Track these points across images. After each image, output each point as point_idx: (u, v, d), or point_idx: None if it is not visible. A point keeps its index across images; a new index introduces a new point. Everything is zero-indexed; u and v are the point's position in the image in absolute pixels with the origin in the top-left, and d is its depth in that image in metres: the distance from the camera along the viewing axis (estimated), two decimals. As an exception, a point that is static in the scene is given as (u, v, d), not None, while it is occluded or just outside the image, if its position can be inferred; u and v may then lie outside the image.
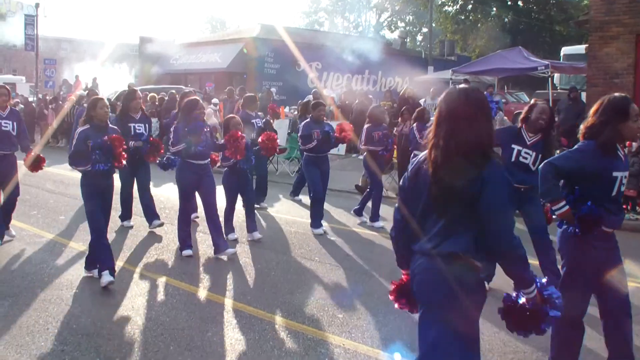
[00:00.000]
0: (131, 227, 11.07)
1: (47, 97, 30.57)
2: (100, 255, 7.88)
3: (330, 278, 8.28)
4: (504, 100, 22.24)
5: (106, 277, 7.65)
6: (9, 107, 10.17)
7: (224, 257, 9.13)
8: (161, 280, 8.16)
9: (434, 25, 44.09)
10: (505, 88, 29.44)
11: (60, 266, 8.72)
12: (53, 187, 15.31)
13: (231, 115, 11.07)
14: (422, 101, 22.47)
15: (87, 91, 27.31)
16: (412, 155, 12.40)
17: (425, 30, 62.36)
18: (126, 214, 11.29)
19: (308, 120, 11.46)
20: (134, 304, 7.24)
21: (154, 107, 22.63)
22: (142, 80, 35.54)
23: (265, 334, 6.39)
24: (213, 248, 9.29)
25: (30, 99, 31.79)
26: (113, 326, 6.52)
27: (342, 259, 9.38)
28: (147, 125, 10.89)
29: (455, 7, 46.84)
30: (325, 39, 37.48)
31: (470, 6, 45.68)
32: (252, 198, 10.86)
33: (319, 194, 11.11)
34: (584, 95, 18.39)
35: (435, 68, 33.71)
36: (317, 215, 11.12)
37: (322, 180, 11.27)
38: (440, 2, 46.68)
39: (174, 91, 23.72)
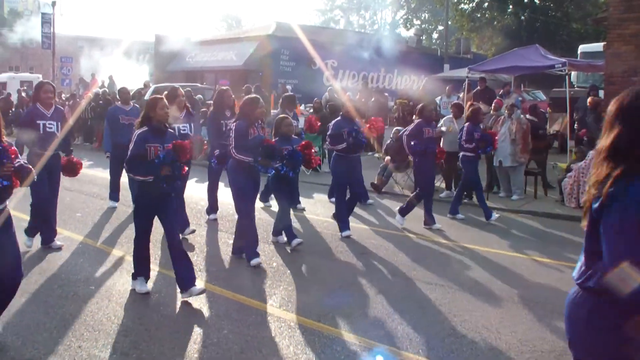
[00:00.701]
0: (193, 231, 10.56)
1: (63, 95, 30.67)
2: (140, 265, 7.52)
3: (346, 276, 8.25)
4: (520, 99, 22.11)
5: (143, 287, 7.46)
6: (54, 105, 9.50)
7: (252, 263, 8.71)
8: (177, 278, 8.17)
9: (450, 23, 43.97)
10: (522, 86, 29.28)
11: (76, 263, 8.74)
12: (69, 185, 15.31)
13: (283, 115, 10.54)
14: (437, 99, 22.41)
15: (102, 89, 27.47)
16: (461, 156, 12.34)
17: (441, 28, 62.14)
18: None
19: (339, 119, 11.02)
20: (150, 300, 7.24)
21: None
22: (158, 78, 35.64)
23: (281, 331, 6.37)
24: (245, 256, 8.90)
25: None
26: (129, 322, 6.53)
27: (358, 256, 9.36)
28: (191, 124, 10.62)
29: (471, 5, 46.66)
30: (341, 37, 37.50)
31: (486, 4, 45.49)
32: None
33: (360, 197, 10.90)
34: (601, 93, 18.22)
35: (451, 66, 33.63)
36: (343, 218, 10.71)
37: (357, 180, 10.88)
38: (456, 0, 46.52)
39: (189, 89, 23.76)
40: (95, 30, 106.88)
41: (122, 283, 7.86)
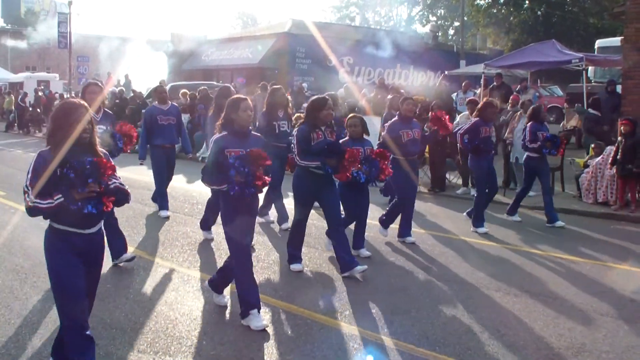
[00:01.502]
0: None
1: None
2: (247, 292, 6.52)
3: (364, 273, 8.23)
4: (537, 94, 22.01)
5: (258, 322, 6.36)
6: (102, 108, 8.72)
7: (358, 276, 8.11)
8: (194, 276, 8.19)
9: (465, 19, 43.82)
10: (539, 82, 29.15)
11: (94, 261, 8.77)
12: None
13: (353, 114, 9.53)
14: (454, 95, 22.34)
15: (119, 88, 27.59)
16: (525, 157, 11.74)
17: (457, 24, 61.98)
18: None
19: (395, 119, 10.16)
20: (167, 298, 7.26)
21: (186, 102, 22.75)
22: (174, 77, 35.75)
23: (298, 328, 6.38)
24: (339, 266, 8.35)
25: (66, 96, 32.06)
26: (147, 320, 6.55)
27: (377, 254, 9.34)
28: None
29: (487, 1, 46.49)
30: (357, 34, 37.46)
31: (502, -1, 45.30)
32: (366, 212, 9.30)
33: (411, 201, 10.21)
34: (619, 88, 18.10)
35: (467, 62, 33.54)
36: (407, 223, 10.12)
37: (412, 187, 10.19)
38: (472, -5, 46.35)
39: (205, 87, 23.82)
40: (111, 29, 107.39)
41: (138, 281, 7.89)
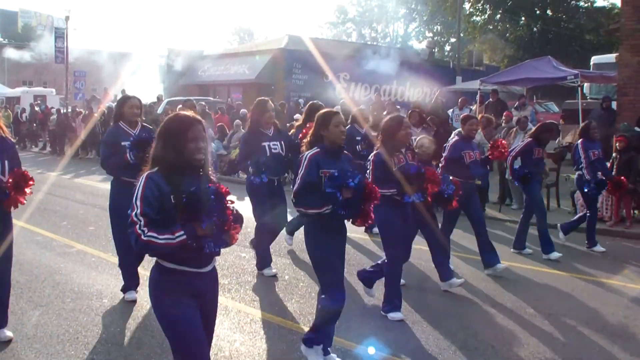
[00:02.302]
0: None
1: (77, 109, 30.84)
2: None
3: (360, 289, 8.24)
4: (535, 111, 22.10)
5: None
6: (139, 123, 7.82)
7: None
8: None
9: (462, 35, 43.99)
10: (534, 98, 29.27)
11: (89, 276, 8.78)
12: (83, 198, 15.45)
13: (424, 136, 9.02)
14: (450, 111, 22.42)
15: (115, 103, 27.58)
16: (576, 176, 11.04)
17: (453, 40, 62.17)
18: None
19: (456, 139, 9.41)
20: (163, 313, 7.25)
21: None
22: (171, 92, 35.81)
23: (293, 344, 6.38)
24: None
25: (62, 111, 32.08)
26: (142, 335, 6.55)
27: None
28: (282, 142, 8.90)
29: (483, 17, 46.78)
30: (353, 50, 37.54)
31: (498, 15, 45.55)
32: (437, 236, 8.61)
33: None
34: (614, 104, 18.20)
35: (463, 78, 33.62)
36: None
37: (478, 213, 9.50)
38: (468, 12, 46.58)
39: (203, 103, 23.91)
40: (108, 44, 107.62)
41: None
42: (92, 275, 8.85)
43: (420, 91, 36.96)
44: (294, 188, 5.75)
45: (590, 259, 10.45)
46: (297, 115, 21.34)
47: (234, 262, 9.58)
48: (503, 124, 16.58)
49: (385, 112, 19.08)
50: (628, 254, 10.88)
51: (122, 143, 7.42)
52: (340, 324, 6.83)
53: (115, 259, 9.26)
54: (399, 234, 7.22)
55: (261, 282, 8.61)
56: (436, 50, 58.03)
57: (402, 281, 8.46)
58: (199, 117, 4.16)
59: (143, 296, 7.78)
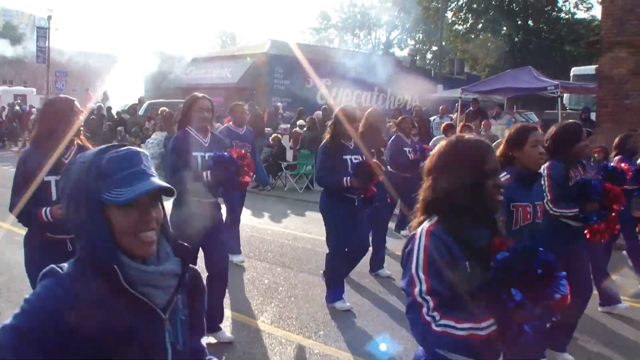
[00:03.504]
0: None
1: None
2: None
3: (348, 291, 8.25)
4: (513, 120, 22.24)
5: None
6: (209, 130, 6.59)
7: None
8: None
9: (444, 43, 44.19)
10: (515, 107, 29.45)
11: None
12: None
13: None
14: (432, 119, 22.51)
15: (97, 104, 27.50)
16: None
17: (435, 48, 62.47)
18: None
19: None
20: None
21: (164, 121, 22.69)
22: (152, 94, 35.71)
23: (273, 347, 6.40)
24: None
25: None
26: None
27: (351, 273, 9.37)
28: (363, 155, 7.74)
29: (465, 26, 47.02)
30: (335, 56, 37.60)
31: (480, 25, 45.83)
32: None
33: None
34: (593, 115, 18.38)
35: (444, 86, 33.76)
36: None
37: None
38: (450, 21, 46.84)
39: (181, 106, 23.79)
40: (90, 45, 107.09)
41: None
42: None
43: (401, 98, 37.11)
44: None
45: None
46: (300, 121, 21.35)
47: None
48: (482, 132, 16.70)
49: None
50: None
51: (194, 154, 6.15)
52: (318, 330, 6.86)
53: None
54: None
55: (240, 286, 8.60)
56: (418, 58, 58.22)
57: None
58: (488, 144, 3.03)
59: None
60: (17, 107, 33.78)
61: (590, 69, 23.35)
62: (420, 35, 69.68)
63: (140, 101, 28.85)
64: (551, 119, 22.34)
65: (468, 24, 46.84)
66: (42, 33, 39.81)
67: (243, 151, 6.52)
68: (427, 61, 68.03)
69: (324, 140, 7.49)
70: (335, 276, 7.79)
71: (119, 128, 25.04)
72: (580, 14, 48.26)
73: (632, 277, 9.37)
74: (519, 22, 44.16)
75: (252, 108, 21.13)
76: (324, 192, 7.71)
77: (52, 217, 4.75)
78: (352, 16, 78.31)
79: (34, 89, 44.85)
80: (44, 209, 4.79)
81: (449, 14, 46.29)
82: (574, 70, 28.56)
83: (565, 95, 23.70)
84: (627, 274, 9.72)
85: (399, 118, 11.37)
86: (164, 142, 21.89)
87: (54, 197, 4.78)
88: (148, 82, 38.86)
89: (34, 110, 31.45)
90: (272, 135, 19.41)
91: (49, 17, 38.69)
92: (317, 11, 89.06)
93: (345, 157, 7.42)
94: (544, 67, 32.12)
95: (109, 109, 28.39)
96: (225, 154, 6.17)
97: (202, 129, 6.33)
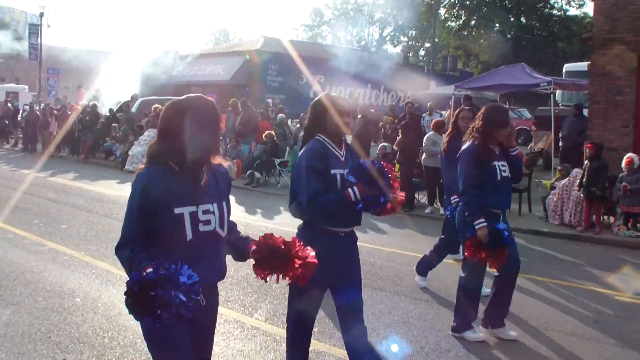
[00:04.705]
0: None
1: (51, 106, 30.55)
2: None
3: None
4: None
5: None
6: (344, 141, 5.08)
7: None
8: (163, 290, 8.15)
9: (436, 40, 44.23)
10: (507, 104, 29.52)
11: (62, 275, 8.72)
12: (55, 196, 15.31)
13: None
14: (423, 116, 22.51)
15: (92, 102, 27.43)
16: None
17: (428, 45, 62.51)
18: None
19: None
20: (136, 313, 7.23)
21: (157, 118, 22.65)
22: (145, 91, 35.65)
23: (267, 345, 6.40)
24: None
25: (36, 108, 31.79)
26: (115, 335, 6.53)
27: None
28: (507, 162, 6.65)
29: (458, 23, 47.14)
30: (328, 53, 37.60)
31: (473, 22, 45.91)
32: None
33: None
34: (586, 112, 18.42)
35: (437, 83, 33.81)
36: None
37: None
38: (443, 18, 46.89)
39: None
40: (83, 42, 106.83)
41: (107, 295, 7.86)
42: (65, 273, 8.79)
43: (394, 95, 37.16)
44: None
45: (561, 264, 10.58)
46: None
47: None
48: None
49: (359, 116, 19.20)
50: (598, 259, 11.02)
51: (332, 171, 4.76)
52: (314, 327, 6.87)
53: (88, 258, 9.26)
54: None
55: (234, 284, 8.60)
56: (411, 55, 58.28)
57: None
58: None
59: (116, 295, 7.76)
60: (10, 105, 33.66)
61: (582, 65, 23.42)
62: (413, 32, 69.75)
63: (134, 98, 28.77)
64: (544, 115, 22.44)
65: (461, 21, 46.97)
66: (34, 30, 39.70)
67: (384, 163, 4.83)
68: (420, 58, 68.09)
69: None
70: (471, 299, 6.87)
71: (113, 125, 24.99)
72: (573, 11, 48.46)
73: (635, 275, 9.43)
74: (512, 19, 44.26)
75: (244, 106, 21.15)
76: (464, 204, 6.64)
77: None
78: (344, 13, 78.29)
79: (26, 86, 44.72)
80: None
81: (442, 11, 46.35)
82: (567, 67, 28.64)
83: (557, 91, 23.76)
84: (630, 271, 9.78)
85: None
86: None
87: (190, 234, 3.56)
88: (141, 79, 38.82)
89: (26, 107, 31.36)
90: (265, 132, 19.38)
91: (41, 14, 38.56)
92: (310, 8, 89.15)
93: (494, 163, 6.47)
94: (536, 64, 32.27)
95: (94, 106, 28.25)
96: (368, 162, 4.73)
97: (335, 137, 4.89)
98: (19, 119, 31.50)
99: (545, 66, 37.74)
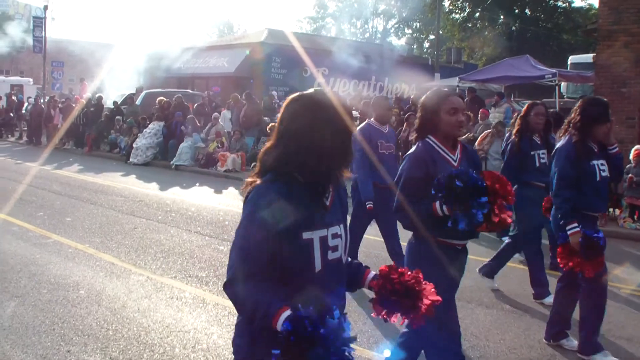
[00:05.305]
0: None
1: (55, 98, 30.56)
2: None
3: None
4: (511, 109, 22.24)
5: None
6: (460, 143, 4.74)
7: None
8: (167, 283, 8.16)
9: (441, 32, 44.11)
10: (512, 96, 29.45)
11: (66, 267, 8.72)
12: (60, 189, 15.32)
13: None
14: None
15: (97, 95, 27.45)
16: None
17: (432, 37, 62.38)
18: None
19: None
20: (140, 305, 7.24)
21: (162, 110, 22.66)
22: (149, 84, 35.66)
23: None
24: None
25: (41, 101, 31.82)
26: (119, 327, 6.53)
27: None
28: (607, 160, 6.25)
29: (462, 15, 46.97)
30: (332, 45, 37.52)
31: (477, 14, 45.77)
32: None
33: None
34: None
35: (442, 75, 33.72)
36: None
37: None
38: (447, 10, 46.76)
39: (180, 95, 23.90)
40: (86, 34, 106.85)
41: (111, 288, 7.86)
42: (69, 266, 8.79)
43: (398, 87, 37.08)
44: None
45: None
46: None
47: (211, 255, 9.57)
48: (479, 121, 16.70)
49: (363, 102, 19.12)
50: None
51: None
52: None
53: (92, 250, 9.26)
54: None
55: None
56: (415, 47, 58.20)
57: None
58: None
59: (120, 288, 7.77)
60: (14, 98, 33.71)
61: (587, 57, 23.34)
62: (418, 24, 69.54)
63: (138, 91, 28.78)
64: (549, 107, 22.34)
65: (465, 13, 46.78)
66: (39, 23, 39.65)
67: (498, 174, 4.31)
68: (425, 50, 67.94)
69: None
70: (596, 321, 6.11)
71: (117, 117, 24.99)
72: (578, 3, 48.50)
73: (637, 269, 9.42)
74: (516, 11, 44.11)
75: (248, 98, 21.14)
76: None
77: None
78: (349, 5, 78.10)
79: (31, 79, 44.74)
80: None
81: (446, 3, 46.26)
82: (572, 59, 28.55)
83: (562, 83, 23.70)
84: (631, 265, 9.75)
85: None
86: (162, 131, 21.89)
87: (319, 264, 2.88)
88: (145, 71, 38.80)
89: (30, 100, 31.41)
90: (270, 125, 19.34)
91: (45, 7, 38.56)
92: (314, 0, 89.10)
93: (592, 162, 6.03)
94: (541, 56, 32.13)
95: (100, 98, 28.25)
96: (474, 173, 4.19)
97: (449, 138, 4.54)
98: (23, 111, 31.55)
99: (550, 58, 37.58)
